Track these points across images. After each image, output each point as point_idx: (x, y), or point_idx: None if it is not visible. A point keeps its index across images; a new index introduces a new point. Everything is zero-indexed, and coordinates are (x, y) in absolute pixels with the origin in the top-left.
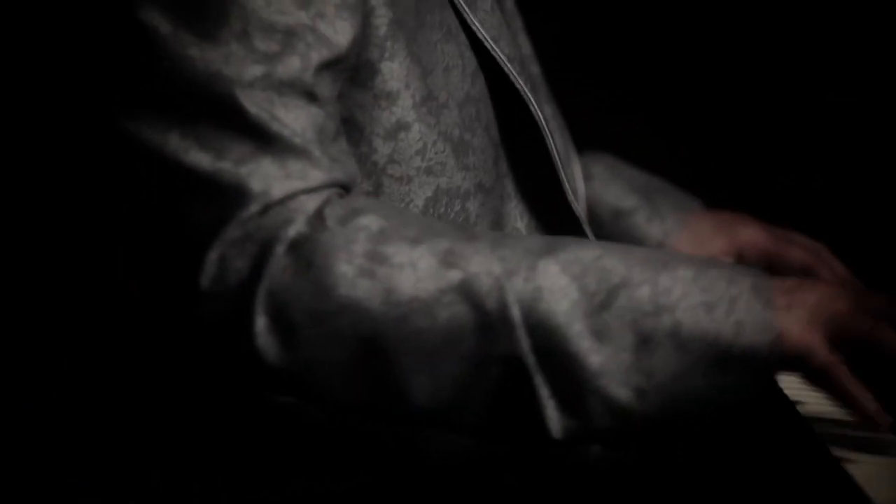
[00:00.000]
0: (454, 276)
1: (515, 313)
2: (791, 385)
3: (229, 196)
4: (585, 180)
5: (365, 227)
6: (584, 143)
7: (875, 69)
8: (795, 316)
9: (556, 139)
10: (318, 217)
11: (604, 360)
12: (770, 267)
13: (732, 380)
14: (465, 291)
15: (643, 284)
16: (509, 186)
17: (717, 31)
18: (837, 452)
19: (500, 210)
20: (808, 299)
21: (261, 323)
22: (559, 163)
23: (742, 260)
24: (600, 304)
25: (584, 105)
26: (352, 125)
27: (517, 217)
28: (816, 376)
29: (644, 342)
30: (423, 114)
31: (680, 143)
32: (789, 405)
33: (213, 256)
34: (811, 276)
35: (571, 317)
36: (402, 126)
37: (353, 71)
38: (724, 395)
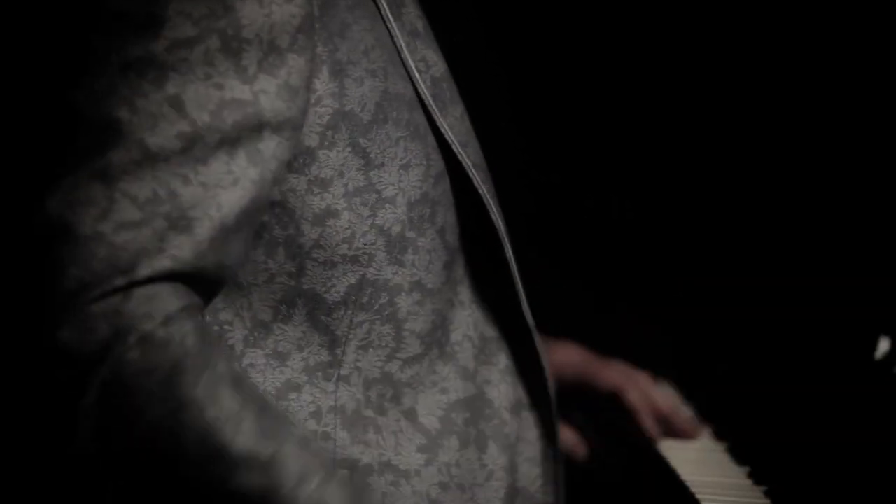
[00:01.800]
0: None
1: None
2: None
3: (99, 264)
4: None
5: (221, 369)
6: None
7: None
8: None
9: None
10: (177, 323)
11: None
12: (581, 386)
13: None
14: None
15: None
16: (463, 293)
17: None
18: None
19: (447, 315)
20: None
21: (89, 398)
22: (515, 272)
23: (560, 380)
24: None
25: None
26: (283, 208)
27: (470, 326)
28: None
29: None
30: (356, 204)
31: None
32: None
33: (71, 319)
34: (620, 397)
35: None
36: (330, 213)
37: (291, 157)
38: None
